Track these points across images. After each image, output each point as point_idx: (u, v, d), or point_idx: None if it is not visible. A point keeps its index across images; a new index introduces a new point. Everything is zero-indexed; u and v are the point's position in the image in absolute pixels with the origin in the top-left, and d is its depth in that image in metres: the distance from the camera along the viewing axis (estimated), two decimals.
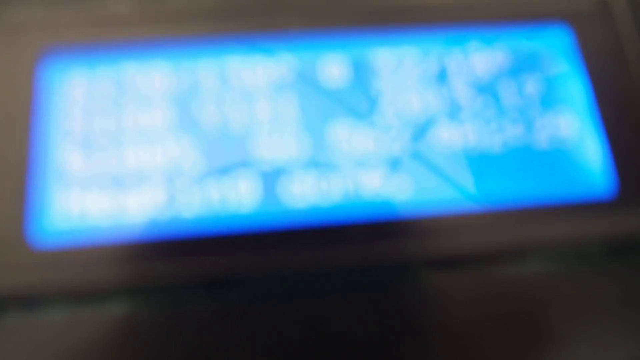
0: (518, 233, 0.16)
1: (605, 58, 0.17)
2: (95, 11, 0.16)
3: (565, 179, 0.16)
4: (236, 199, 0.15)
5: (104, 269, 0.15)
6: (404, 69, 0.17)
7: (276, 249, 0.15)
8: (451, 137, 0.16)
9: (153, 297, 0.15)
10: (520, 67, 0.17)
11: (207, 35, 0.16)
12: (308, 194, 0.15)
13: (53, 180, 0.15)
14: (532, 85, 0.17)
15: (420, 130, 0.16)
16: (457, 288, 0.16)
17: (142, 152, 0.15)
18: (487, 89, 0.17)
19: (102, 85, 0.16)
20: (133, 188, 0.15)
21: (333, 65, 0.16)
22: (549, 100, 0.17)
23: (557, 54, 0.17)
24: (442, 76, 0.17)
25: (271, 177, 0.15)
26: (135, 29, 0.16)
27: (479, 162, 0.16)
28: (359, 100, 0.16)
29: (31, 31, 0.16)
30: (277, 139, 0.16)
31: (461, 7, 0.17)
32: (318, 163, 0.16)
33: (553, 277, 0.16)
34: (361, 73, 0.16)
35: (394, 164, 0.16)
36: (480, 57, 0.17)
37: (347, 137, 0.16)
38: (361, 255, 0.15)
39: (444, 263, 0.16)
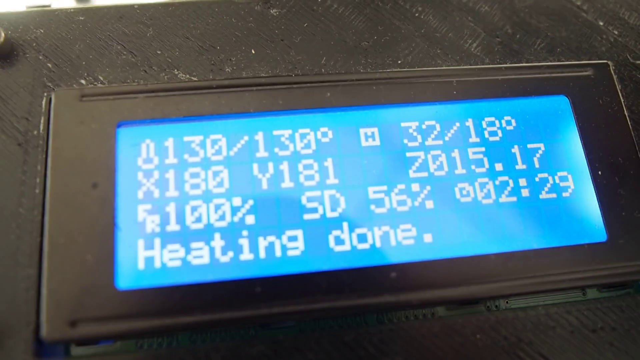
0: (527, 268, 0.18)
1: (598, 121, 0.20)
2: (160, 83, 0.19)
3: (565, 225, 0.19)
4: (286, 246, 0.18)
5: (174, 305, 0.17)
6: (429, 136, 0.19)
7: (321, 286, 0.18)
8: (470, 192, 0.19)
9: (214, 330, 0.18)
10: (528, 133, 0.20)
11: (260, 107, 0.19)
12: (348, 242, 0.18)
13: (133, 232, 0.18)
14: (537, 147, 0.20)
15: (444, 187, 0.19)
16: (475, 318, 0.18)
17: (205, 206, 0.18)
18: (500, 151, 0.20)
19: (170, 150, 0.19)
20: (199, 237, 0.18)
21: (368, 133, 0.19)
22: (552, 160, 0.20)
23: (557, 121, 0.20)
24: (463, 141, 0.20)
25: (316, 227, 0.18)
26: (196, 101, 0.19)
27: (494, 212, 0.19)
28: (392, 162, 0.19)
29: (109, 105, 0.19)
30: (322, 194, 0.19)
31: (476, 83, 0.20)
32: (357, 215, 0.18)
33: (555, 308, 0.19)
34: (392, 140, 0.19)
35: (422, 215, 0.19)
36: (495, 125, 0.20)
37: (382, 192, 0.19)
38: (393, 292, 0.18)
39: (464, 298, 0.18)
